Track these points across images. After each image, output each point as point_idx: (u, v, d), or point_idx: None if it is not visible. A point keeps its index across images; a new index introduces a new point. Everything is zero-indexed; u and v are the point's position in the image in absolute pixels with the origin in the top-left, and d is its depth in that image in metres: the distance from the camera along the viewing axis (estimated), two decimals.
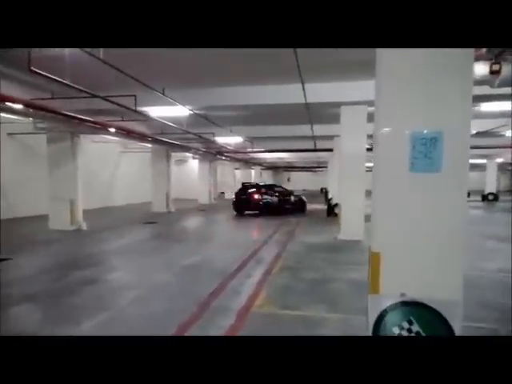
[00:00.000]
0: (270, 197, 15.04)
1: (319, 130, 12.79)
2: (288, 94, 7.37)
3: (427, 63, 2.35)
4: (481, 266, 6.21)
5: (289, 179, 46.00)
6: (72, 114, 8.06)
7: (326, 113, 9.45)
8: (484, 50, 4.69)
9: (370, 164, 2.68)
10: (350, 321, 3.75)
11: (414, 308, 2.40)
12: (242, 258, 6.80)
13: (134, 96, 7.47)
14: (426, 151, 2.49)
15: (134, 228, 11.05)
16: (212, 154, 18.76)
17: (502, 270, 6.01)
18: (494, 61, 4.73)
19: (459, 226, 2.45)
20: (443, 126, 2.43)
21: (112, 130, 9.84)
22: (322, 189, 33.59)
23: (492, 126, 11.30)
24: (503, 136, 12.99)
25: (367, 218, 2.82)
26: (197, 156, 21.36)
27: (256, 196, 14.99)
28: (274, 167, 37.91)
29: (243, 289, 4.92)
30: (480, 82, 4.97)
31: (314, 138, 14.87)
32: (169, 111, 8.71)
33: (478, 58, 4.86)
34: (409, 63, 2.38)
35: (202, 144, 16.18)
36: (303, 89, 6.69)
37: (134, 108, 7.63)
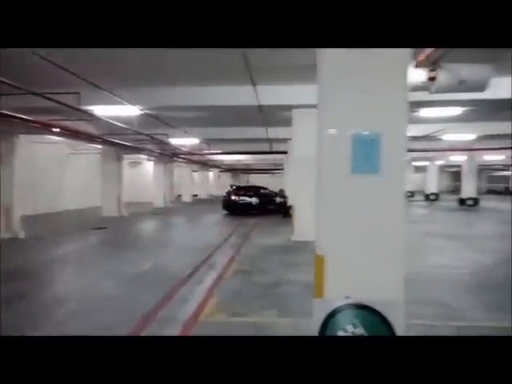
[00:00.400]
0: (249, 198, 15.82)
1: (274, 132, 12.85)
2: (241, 95, 7.26)
3: (366, 66, 2.36)
4: (423, 262, 6.50)
5: (248, 181, 46.29)
6: (6, 113, 7.39)
7: (281, 115, 9.49)
8: (423, 57, 4.91)
9: None
10: (301, 324, 3.71)
11: (358, 311, 2.39)
12: (195, 263, 6.59)
13: (78, 94, 7.01)
14: (366, 152, 2.50)
15: (80, 234, 10.39)
16: (167, 155, 18.25)
17: (446, 266, 6.34)
18: (431, 68, 4.98)
19: (398, 226, 2.47)
20: (382, 128, 2.47)
21: (55, 129, 9.19)
22: (280, 190, 34.06)
23: (431, 130, 12.01)
24: (440, 140, 13.86)
25: None
26: (152, 158, 20.70)
27: (233, 197, 15.83)
28: (232, 169, 37.81)
29: (193, 296, 4.73)
30: (420, 87, 5.21)
31: (269, 140, 14.95)
32: (118, 110, 8.27)
33: (418, 65, 5.09)
34: (349, 65, 2.38)
35: (157, 145, 15.67)
36: (255, 91, 6.63)
37: (76, 106, 7.16)
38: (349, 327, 2.38)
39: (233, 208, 15.83)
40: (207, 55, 5.44)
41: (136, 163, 25.88)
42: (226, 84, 7.11)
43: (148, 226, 13.25)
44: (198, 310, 4.21)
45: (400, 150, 2.44)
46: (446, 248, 8.28)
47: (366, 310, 2.36)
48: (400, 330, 2.27)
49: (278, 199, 16.12)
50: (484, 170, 37.76)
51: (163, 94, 7.68)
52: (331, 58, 2.37)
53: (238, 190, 16.33)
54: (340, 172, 2.48)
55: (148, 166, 24.82)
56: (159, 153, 16.93)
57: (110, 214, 14.99)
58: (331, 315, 2.37)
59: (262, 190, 16.69)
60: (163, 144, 14.54)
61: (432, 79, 4.98)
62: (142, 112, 8.42)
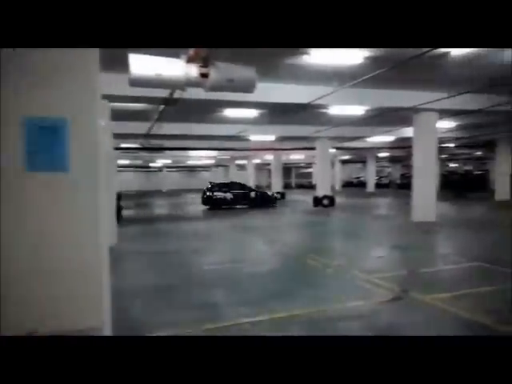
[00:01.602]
0: (223, 193, 16.62)
1: None
2: None
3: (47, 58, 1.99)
4: (219, 259, 6.67)
5: None
6: None
7: None
8: (193, 53, 4.79)
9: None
10: None
11: None
12: None
13: None
14: (47, 144, 2.00)
15: None
16: None
17: (233, 261, 6.62)
18: (201, 64, 4.93)
19: (94, 236, 2.07)
20: (67, 115, 2.03)
21: None
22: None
23: (237, 130, 12.88)
24: (249, 140, 15.16)
25: None
26: None
27: (208, 193, 16.77)
28: None
29: None
30: (195, 83, 5.12)
31: None
32: None
33: (189, 61, 4.96)
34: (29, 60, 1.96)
35: None
36: None
37: None
38: None
39: (209, 203, 16.88)
40: None
41: None
42: None
43: None
44: None
45: (92, 143, 2.05)
46: (242, 240, 8.83)
47: None
48: None
49: (253, 194, 17.12)
50: (294, 167, 44.32)
51: None
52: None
53: (213, 187, 17.27)
54: (11, 170, 1.93)
55: None
56: None
57: None
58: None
59: (236, 186, 17.70)
60: None
61: (204, 76, 4.94)
62: None
